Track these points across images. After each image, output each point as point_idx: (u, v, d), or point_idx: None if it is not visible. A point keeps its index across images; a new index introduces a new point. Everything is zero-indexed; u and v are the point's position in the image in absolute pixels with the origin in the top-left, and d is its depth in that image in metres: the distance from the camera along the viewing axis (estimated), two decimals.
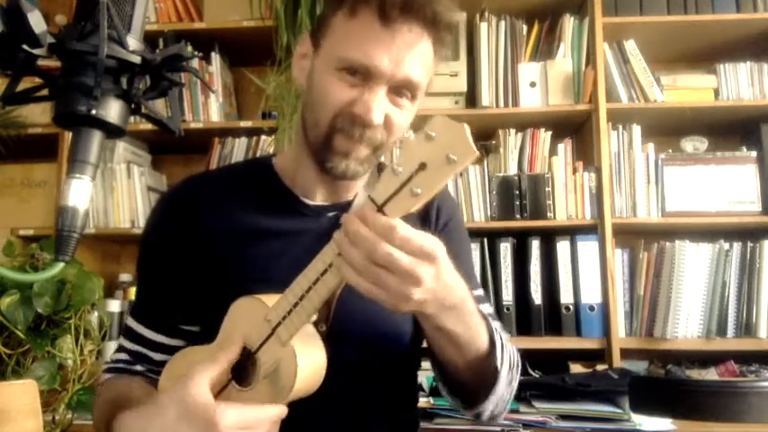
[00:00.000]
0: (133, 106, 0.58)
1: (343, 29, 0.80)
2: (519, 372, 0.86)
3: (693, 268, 1.90)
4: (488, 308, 0.95)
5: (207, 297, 0.84)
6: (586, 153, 2.08)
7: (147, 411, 0.70)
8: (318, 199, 0.91)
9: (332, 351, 0.74)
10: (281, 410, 0.69)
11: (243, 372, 0.73)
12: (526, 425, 1.51)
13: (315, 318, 0.71)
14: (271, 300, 0.72)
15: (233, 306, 0.75)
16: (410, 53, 0.78)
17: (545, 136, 2.04)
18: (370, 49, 0.77)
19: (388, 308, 0.63)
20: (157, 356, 0.90)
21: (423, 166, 0.59)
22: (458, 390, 0.84)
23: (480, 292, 0.97)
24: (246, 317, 0.73)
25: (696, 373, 1.83)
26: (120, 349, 0.94)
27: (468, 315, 0.72)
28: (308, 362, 0.70)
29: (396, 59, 0.78)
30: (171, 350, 0.88)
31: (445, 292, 0.65)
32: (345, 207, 0.90)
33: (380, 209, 0.61)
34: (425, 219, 0.95)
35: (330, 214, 0.90)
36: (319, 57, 0.83)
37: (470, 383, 0.81)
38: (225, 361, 0.70)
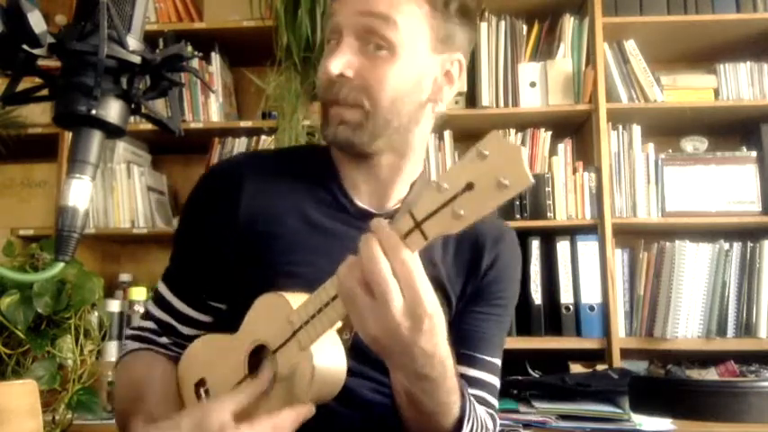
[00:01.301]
0: (133, 106, 0.58)
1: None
2: None
3: (693, 268, 1.90)
4: (494, 379, 0.89)
5: (238, 278, 0.83)
6: (586, 153, 2.08)
7: (163, 427, 0.70)
8: (364, 198, 0.87)
9: (353, 361, 0.72)
10: (301, 413, 0.67)
11: (260, 369, 0.73)
12: (526, 425, 1.51)
13: (339, 325, 0.68)
14: (296, 299, 0.70)
15: (258, 300, 0.74)
16: None
17: (545, 136, 2.05)
18: (333, 9, 0.81)
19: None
20: (185, 330, 0.88)
21: (469, 186, 0.55)
22: None
23: (496, 359, 0.89)
24: (269, 314, 0.72)
25: (696, 373, 1.83)
26: (148, 316, 0.91)
27: (439, 389, 0.66)
28: (326, 369, 0.69)
29: (352, 1, 0.79)
30: (199, 325, 0.87)
31: (419, 351, 0.60)
32: (390, 215, 0.83)
33: (419, 225, 0.58)
34: (475, 266, 0.88)
35: None
36: None
37: None
38: (252, 395, 0.69)
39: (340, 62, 0.78)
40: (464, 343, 0.83)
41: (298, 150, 1.01)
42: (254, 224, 0.83)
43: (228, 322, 0.81)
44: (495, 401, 0.88)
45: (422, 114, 0.84)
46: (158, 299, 0.90)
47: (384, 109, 0.79)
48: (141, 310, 2.04)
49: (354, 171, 0.86)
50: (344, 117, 0.79)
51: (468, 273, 0.87)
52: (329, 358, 0.69)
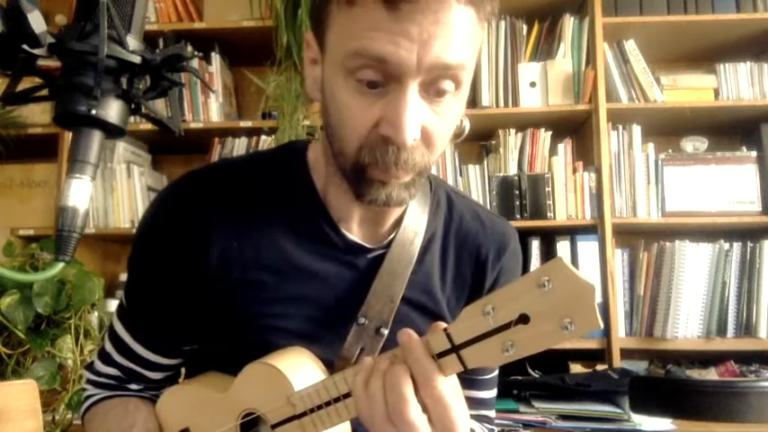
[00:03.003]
0: (133, 106, 0.58)
1: (341, 23, 0.61)
2: None
3: (693, 268, 1.90)
4: (492, 393, 0.87)
5: (213, 323, 0.73)
6: (586, 153, 2.08)
7: None
8: (354, 228, 0.74)
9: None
10: None
11: None
12: (526, 425, 1.51)
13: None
14: (295, 367, 0.65)
15: (250, 368, 0.67)
16: (437, 28, 0.57)
17: (545, 136, 2.05)
18: (382, 39, 0.57)
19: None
20: (154, 375, 0.81)
21: (524, 319, 0.49)
22: None
23: (495, 372, 0.86)
24: (264, 386, 0.66)
25: (696, 373, 1.83)
26: (109, 361, 0.80)
27: None
28: None
29: (419, 40, 0.57)
30: (170, 368, 0.81)
31: None
32: (386, 247, 0.75)
33: (456, 349, 0.53)
34: (478, 287, 0.80)
35: (369, 256, 0.74)
36: (326, 60, 0.65)
37: None
38: None
39: (416, 127, 0.60)
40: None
41: (268, 168, 0.77)
42: (228, 271, 0.70)
43: (201, 360, 0.77)
44: (492, 412, 0.88)
45: None
46: (118, 343, 0.79)
47: (434, 161, 0.67)
48: None
49: (348, 204, 0.72)
50: (401, 179, 0.64)
51: (469, 295, 0.80)
52: None
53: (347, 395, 0.60)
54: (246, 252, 0.71)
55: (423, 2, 0.56)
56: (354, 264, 0.74)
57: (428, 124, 0.62)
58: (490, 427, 0.86)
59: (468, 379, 0.80)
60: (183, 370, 0.86)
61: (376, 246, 0.75)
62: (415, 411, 0.54)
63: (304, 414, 0.64)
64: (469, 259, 0.80)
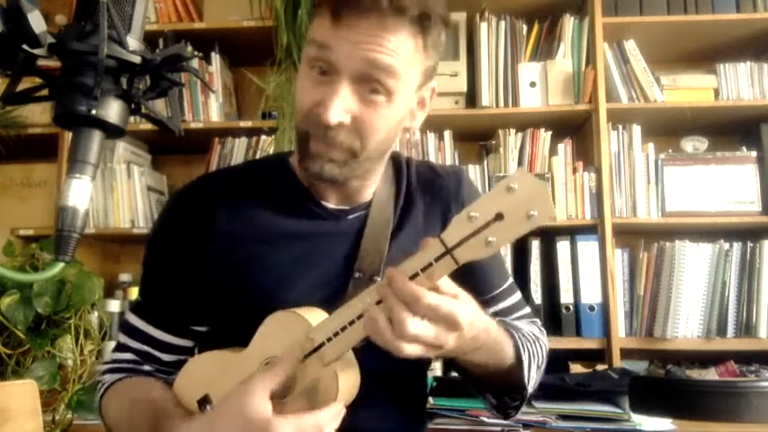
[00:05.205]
0: (133, 106, 0.58)
1: (311, 26, 0.80)
2: (544, 364, 0.91)
3: (693, 268, 1.89)
4: (516, 297, 0.98)
5: (221, 299, 0.84)
6: (586, 153, 2.08)
7: (204, 421, 0.70)
8: (333, 201, 0.88)
9: (359, 357, 0.74)
10: (336, 411, 0.70)
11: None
12: (526, 425, 1.50)
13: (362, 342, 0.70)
14: (311, 314, 0.72)
15: (270, 318, 0.75)
16: (370, 38, 0.73)
17: (545, 136, 2.04)
18: (326, 39, 0.74)
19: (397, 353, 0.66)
20: (166, 357, 0.88)
21: (499, 217, 0.60)
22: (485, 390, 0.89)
23: (509, 282, 0.97)
24: (285, 331, 0.73)
25: (696, 373, 1.83)
26: (124, 348, 0.89)
27: (492, 347, 0.76)
28: (347, 383, 0.72)
29: (353, 45, 0.73)
30: (180, 350, 0.88)
31: (466, 345, 0.69)
32: (364, 209, 0.89)
33: (450, 251, 0.63)
34: (445, 213, 0.92)
35: (350, 217, 0.88)
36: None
37: (499, 389, 0.86)
38: (283, 373, 0.69)
39: (340, 111, 0.75)
40: (476, 292, 0.83)
41: (258, 163, 0.99)
42: (234, 242, 0.84)
43: (211, 342, 0.83)
44: (526, 310, 0.98)
45: (395, 139, 0.88)
46: (131, 331, 0.89)
47: (371, 150, 0.80)
48: None
49: (322, 186, 0.87)
50: (333, 157, 0.78)
51: (442, 228, 0.90)
52: (348, 370, 0.72)
53: (360, 316, 0.67)
54: (247, 230, 0.84)
55: (367, 15, 0.72)
56: (339, 225, 0.88)
57: (358, 113, 0.76)
58: (531, 319, 0.97)
59: (489, 299, 0.92)
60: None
61: (356, 206, 0.88)
62: (414, 327, 0.63)
63: (322, 345, 0.70)
64: (436, 199, 0.92)
